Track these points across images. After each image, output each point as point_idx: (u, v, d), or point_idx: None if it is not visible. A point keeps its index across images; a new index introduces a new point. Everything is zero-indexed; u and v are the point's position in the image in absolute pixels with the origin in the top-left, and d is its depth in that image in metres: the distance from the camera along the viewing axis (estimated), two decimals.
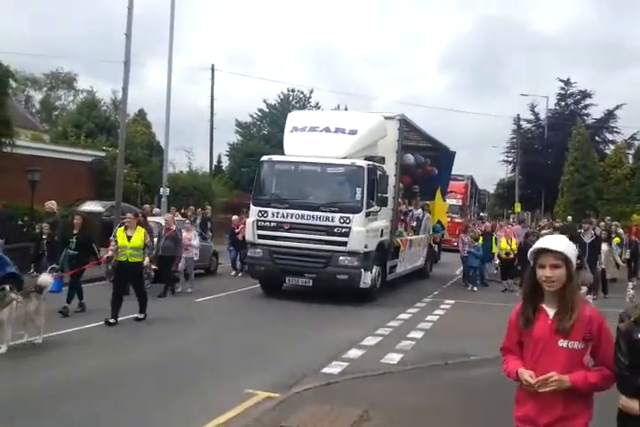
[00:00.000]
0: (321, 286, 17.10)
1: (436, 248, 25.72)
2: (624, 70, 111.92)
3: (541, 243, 4.07)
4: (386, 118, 18.37)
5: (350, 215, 16.45)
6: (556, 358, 3.93)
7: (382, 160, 18.00)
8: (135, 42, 23.35)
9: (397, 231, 19.94)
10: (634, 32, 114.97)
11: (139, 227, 13.69)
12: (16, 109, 48.13)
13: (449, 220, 33.17)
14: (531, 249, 4.10)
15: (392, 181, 18.52)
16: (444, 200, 26.57)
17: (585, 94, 59.88)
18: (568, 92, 60.22)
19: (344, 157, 16.94)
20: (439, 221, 25.32)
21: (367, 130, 17.62)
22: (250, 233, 17.35)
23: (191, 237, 17.80)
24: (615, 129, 59.64)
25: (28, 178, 21.27)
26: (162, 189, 29.77)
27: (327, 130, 17.44)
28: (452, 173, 39.23)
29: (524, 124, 60.39)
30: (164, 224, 18.02)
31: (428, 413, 7.76)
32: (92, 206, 26.05)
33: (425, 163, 23.48)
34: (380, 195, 16.97)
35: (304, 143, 17.46)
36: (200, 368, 9.83)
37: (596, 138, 58.70)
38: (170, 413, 7.71)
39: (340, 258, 16.56)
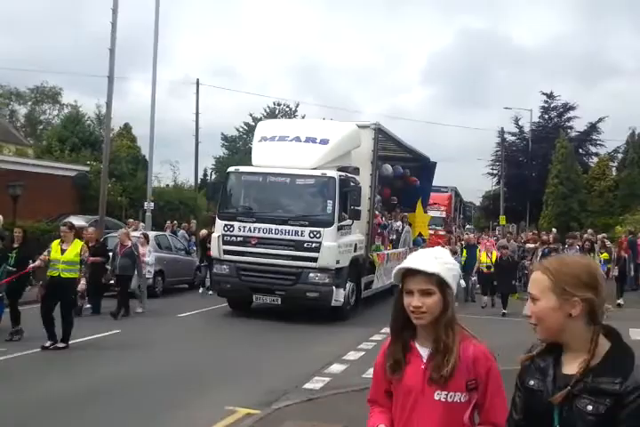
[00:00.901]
0: (290, 305, 15.79)
1: None
2: (605, 83, 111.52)
3: (409, 261, 2.94)
4: (360, 127, 17.11)
5: (321, 229, 15.17)
6: (432, 415, 2.91)
7: (356, 171, 16.74)
8: (121, 56, 23.19)
9: (374, 246, 18.66)
10: (613, 45, 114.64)
11: (76, 240, 12.21)
12: (0, 124, 47.12)
13: (432, 232, 31.88)
14: (395, 268, 2.96)
15: (367, 192, 17.22)
16: (426, 212, 25.11)
17: (568, 107, 58.92)
18: (551, 105, 59.32)
19: (315, 168, 15.66)
20: (420, 234, 23.86)
21: (339, 139, 16.35)
22: (215, 248, 16.02)
23: (145, 253, 16.29)
24: (598, 142, 58.81)
25: (10, 193, 20.62)
26: (146, 204, 29.06)
27: (297, 139, 16.17)
28: (436, 184, 38.33)
29: (509, 137, 59.41)
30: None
31: None
32: (75, 221, 24.29)
33: (405, 174, 22.17)
34: (352, 207, 15.67)
35: (273, 153, 16.19)
36: (179, 385, 9.47)
37: (580, 150, 57.80)
38: None
39: (311, 275, 15.25)
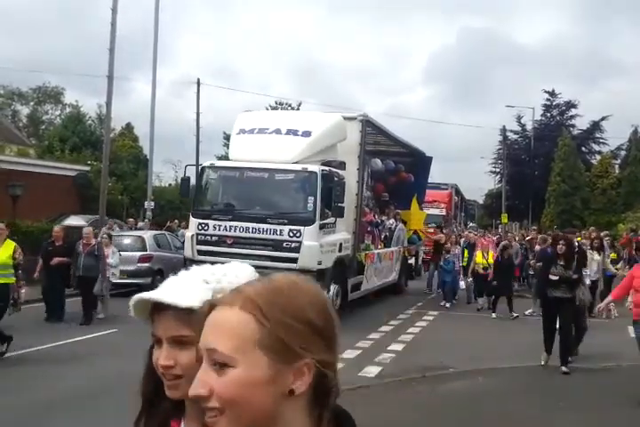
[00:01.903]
0: None
1: (413, 261, 22.64)
2: (606, 81, 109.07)
3: (156, 291, 1.52)
4: (345, 119, 15.52)
5: (301, 228, 13.63)
6: None
7: (342, 165, 15.17)
8: (123, 56, 23.13)
9: (363, 245, 17.09)
10: (614, 43, 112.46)
11: (8, 241, 10.65)
12: (2, 124, 45.78)
13: (431, 231, 30.24)
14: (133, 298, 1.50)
15: (354, 188, 15.66)
16: (422, 209, 23.38)
17: (570, 105, 57.36)
18: (553, 103, 57.71)
19: (295, 162, 14.12)
20: (416, 232, 22.27)
21: (323, 131, 14.78)
22: (189, 248, 14.48)
23: (108, 254, 14.50)
24: (601, 140, 57.19)
25: (10, 193, 20.11)
26: (146, 203, 28.28)
27: (277, 132, 14.62)
28: (436, 181, 36.65)
29: (511, 136, 57.70)
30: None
31: (400, 426, 7.41)
32: (75, 221, 24.59)
33: (398, 169, 20.54)
34: (335, 204, 14.13)
35: (251, 147, 14.64)
36: None
37: (583, 148, 56.31)
38: None
39: None
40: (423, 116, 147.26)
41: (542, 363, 10.38)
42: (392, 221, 19.81)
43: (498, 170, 58.73)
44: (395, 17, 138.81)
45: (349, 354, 11.21)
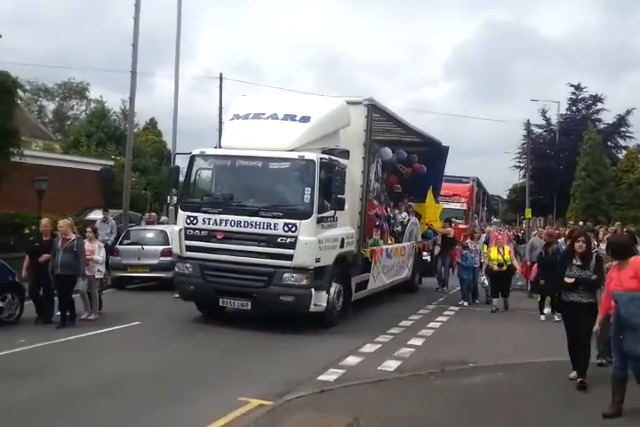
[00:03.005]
0: (262, 310, 12.64)
1: (428, 257, 20.69)
2: (631, 75, 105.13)
3: None
4: (349, 104, 13.73)
5: (297, 221, 11.94)
6: None
7: (345, 154, 13.43)
8: (147, 51, 23.21)
9: (371, 240, 15.34)
10: (638, 35, 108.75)
11: None
12: (28, 119, 44.76)
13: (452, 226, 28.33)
14: None
15: (359, 179, 13.92)
16: (438, 202, 21.30)
17: (596, 99, 55.03)
18: (579, 97, 55.40)
19: (292, 150, 12.42)
20: (431, 226, 20.35)
21: (323, 117, 13.04)
22: (176, 244, 12.86)
23: (94, 250, 12.99)
24: (627, 134, 54.74)
25: (35, 187, 19.82)
26: (169, 197, 27.56)
27: (274, 117, 12.93)
28: (457, 174, 34.65)
29: (536, 130, 55.48)
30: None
31: (418, 421, 7.14)
32: (99, 215, 23.61)
33: (411, 159, 18.69)
34: (335, 195, 12.42)
35: (245, 133, 12.95)
36: (193, 378, 8.85)
37: (608, 143, 53.98)
38: (162, 421, 7.10)
39: (285, 275, 12.02)
40: (446, 111, 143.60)
41: (570, 376, 8.72)
42: (404, 214, 17.98)
43: (522, 164, 56.72)
44: (417, 10, 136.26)
45: (369, 348, 11.04)
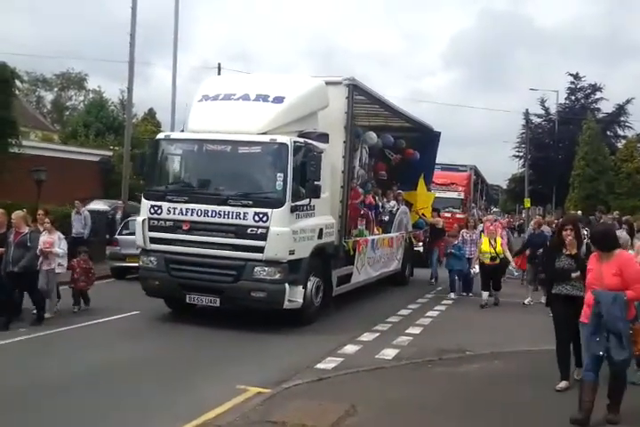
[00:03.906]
0: (232, 306, 11.33)
1: (421, 248, 19.26)
2: (628, 64, 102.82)
3: None
4: (328, 84, 12.35)
5: (268, 210, 10.62)
6: None
7: (324, 138, 12.06)
8: (145, 41, 22.26)
9: (356, 230, 14.01)
10: (635, 25, 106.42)
11: None
12: (26, 110, 43.55)
13: (449, 215, 26.95)
14: None
15: (339, 164, 12.56)
16: (429, 190, 19.75)
17: (595, 88, 53.44)
18: (578, 86, 53.79)
19: (264, 133, 11.09)
20: (422, 216, 18.85)
21: (299, 97, 11.69)
22: (140, 236, 11.53)
23: (53, 242, 11.58)
24: (627, 124, 53.20)
25: (34, 177, 19.31)
26: None
27: (245, 98, 11.57)
28: (453, 163, 33.24)
29: (535, 119, 54.07)
30: None
31: (414, 408, 6.96)
32: (97, 205, 23.95)
33: (399, 145, 17.25)
34: (310, 182, 11.07)
35: (213, 115, 11.61)
36: (193, 365, 8.77)
37: (607, 132, 52.48)
38: (161, 408, 6.93)
39: (256, 269, 10.71)
40: (444, 101, 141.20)
41: (557, 388, 7.50)
42: (393, 202, 16.55)
43: (521, 154, 55.24)
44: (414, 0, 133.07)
45: (367, 337, 10.80)
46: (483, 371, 8.61)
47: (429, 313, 13.24)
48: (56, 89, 52.83)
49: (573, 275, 7.42)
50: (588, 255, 7.16)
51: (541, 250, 13.73)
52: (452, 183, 29.46)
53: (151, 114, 45.64)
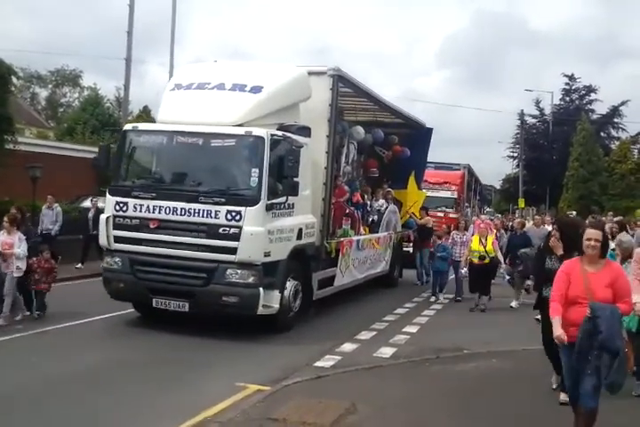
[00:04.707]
0: (203, 312, 10.25)
1: (410, 249, 18.14)
2: (622, 66, 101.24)
3: None
4: (311, 74, 11.30)
5: (242, 209, 9.55)
6: None
7: (306, 131, 11.00)
8: (140, 38, 20.96)
9: (341, 230, 12.96)
10: (629, 27, 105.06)
11: None
12: (21, 107, 42.50)
13: (442, 215, 25.83)
14: None
15: (322, 160, 11.50)
16: (420, 189, 18.47)
17: (590, 89, 52.64)
18: (573, 87, 52.91)
19: (240, 124, 10.02)
20: (412, 215, 17.56)
21: (279, 87, 10.63)
22: (103, 235, 10.43)
23: (13, 243, 10.36)
24: (620, 125, 52.35)
25: (29, 174, 18.53)
26: None
27: (220, 87, 10.49)
28: (447, 161, 32.04)
29: (529, 120, 53.16)
30: None
31: (414, 406, 6.88)
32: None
33: (390, 141, 16.16)
34: (289, 178, 10.01)
35: (185, 106, 10.53)
36: (192, 364, 8.38)
37: (601, 133, 51.66)
38: (161, 406, 6.80)
39: (228, 272, 9.65)
40: (439, 101, 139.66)
41: (554, 386, 7.22)
42: (382, 201, 15.46)
43: (515, 154, 54.42)
44: (409, 0, 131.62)
45: (364, 335, 10.61)
46: (480, 369, 8.51)
47: (426, 312, 12.97)
48: (50, 86, 51.69)
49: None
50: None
51: (522, 251, 13.00)
52: (446, 182, 28.25)
53: (146, 111, 44.46)
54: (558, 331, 5.36)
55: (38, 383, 7.35)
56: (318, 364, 8.70)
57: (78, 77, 51.04)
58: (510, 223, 28.26)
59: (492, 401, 6.99)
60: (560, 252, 6.90)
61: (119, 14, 69.28)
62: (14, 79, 25.12)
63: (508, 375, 8.08)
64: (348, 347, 9.67)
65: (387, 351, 9.47)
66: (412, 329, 11.18)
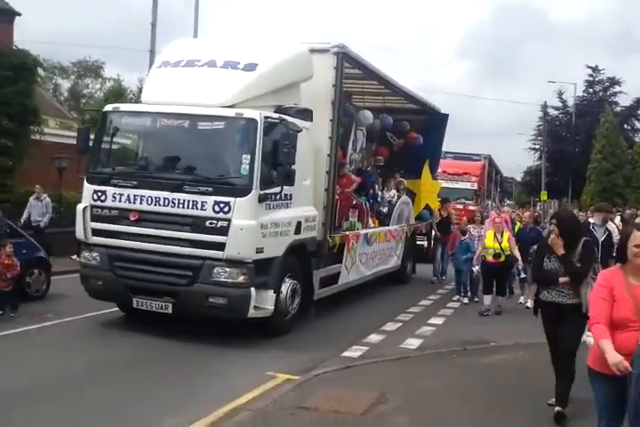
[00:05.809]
0: (187, 313, 9.00)
1: (424, 242, 16.74)
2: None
3: None
4: (312, 51, 9.95)
5: (231, 199, 8.29)
6: None
7: (307, 114, 9.70)
8: (164, 31, 21.65)
9: (348, 223, 11.64)
10: None
11: None
12: (44, 98, 41.65)
13: (461, 207, 24.32)
14: None
15: (325, 147, 10.16)
16: (435, 179, 16.84)
17: (613, 81, 50.51)
18: (596, 79, 50.89)
19: (231, 106, 8.75)
20: (427, 207, 16.05)
21: (276, 65, 9.31)
22: (80, 227, 9.21)
23: None
24: None
25: (56, 165, 18.24)
26: None
27: (211, 64, 9.21)
28: (467, 152, 30.49)
29: (552, 112, 51.21)
30: None
31: (443, 396, 6.76)
32: None
33: (402, 127, 14.76)
34: (286, 166, 8.69)
35: (172, 84, 9.25)
36: (220, 352, 8.19)
37: (625, 126, 49.70)
38: (193, 394, 6.65)
39: (215, 270, 8.41)
40: (459, 92, 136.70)
41: (550, 402, 6.25)
42: (393, 192, 14.04)
43: (537, 146, 52.52)
44: None
45: (390, 326, 10.39)
46: (508, 361, 8.37)
47: (451, 304, 12.61)
48: (73, 77, 50.80)
49: (561, 280, 6.03)
50: (584, 252, 6.04)
51: (534, 247, 11.47)
52: (465, 173, 26.69)
53: None
54: (616, 357, 3.81)
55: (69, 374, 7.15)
56: (346, 354, 8.53)
57: (100, 68, 50.19)
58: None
59: (523, 391, 6.80)
60: (561, 251, 6.07)
61: (140, 5, 68.34)
62: (40, 71, 24.46)
63: (536, 368, 7.52)
64: (374, 338, 9.52)
65: (413, 343, 9.33)
66: (438, 321, 10.94)
